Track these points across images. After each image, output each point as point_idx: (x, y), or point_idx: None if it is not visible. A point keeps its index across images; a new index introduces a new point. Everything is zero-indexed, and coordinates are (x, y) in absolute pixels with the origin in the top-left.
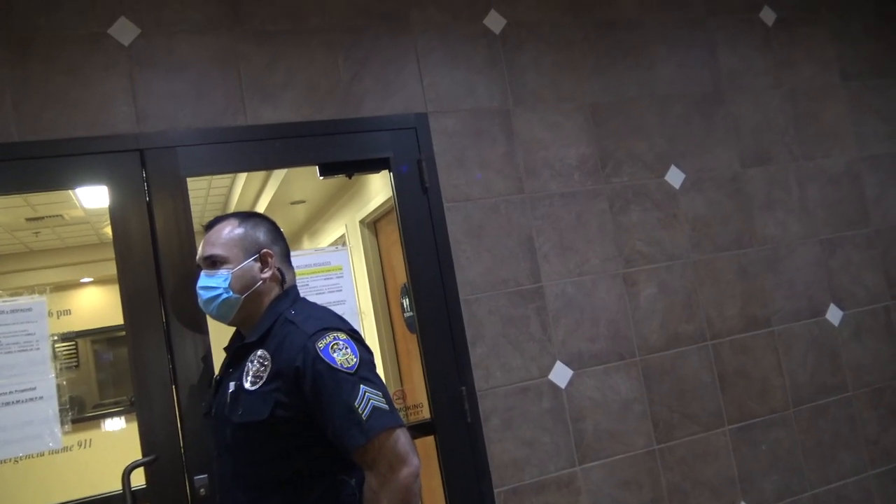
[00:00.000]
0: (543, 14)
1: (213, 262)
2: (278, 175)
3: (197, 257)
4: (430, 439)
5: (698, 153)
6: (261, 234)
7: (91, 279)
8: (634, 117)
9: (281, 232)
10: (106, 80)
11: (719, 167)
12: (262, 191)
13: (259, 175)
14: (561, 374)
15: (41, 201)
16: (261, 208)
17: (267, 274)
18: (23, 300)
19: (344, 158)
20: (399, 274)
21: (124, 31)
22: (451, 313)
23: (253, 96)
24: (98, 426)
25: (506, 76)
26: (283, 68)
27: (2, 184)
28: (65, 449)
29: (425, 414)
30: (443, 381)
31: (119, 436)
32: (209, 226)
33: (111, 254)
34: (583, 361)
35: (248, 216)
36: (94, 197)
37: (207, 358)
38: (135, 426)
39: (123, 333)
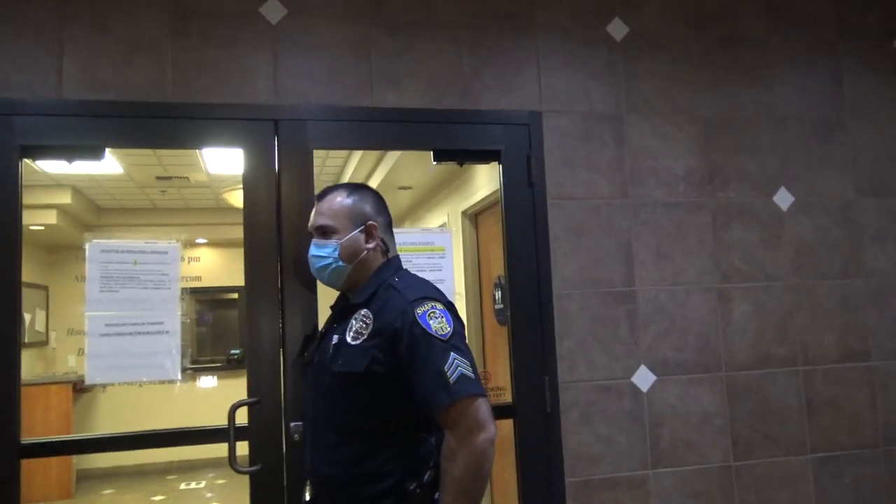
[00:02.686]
0: (666, 25)
1: (324, 232)
2: (390, 159)
3: (309, 225)
4: (508, 422)
5: (811, 177)
6: (367, 207)
7: (205, 241)
8: (747, 135)
9: (385, 203)
10: (252, 55)
11: (831, 194)
12: (373, 173)
13: (372, 157)
14: (644, 378)
15: (172, 162)
16: None
17: (371, 245)
18: (161, 243)
19: (457, 147)
20: (494, 267)
21: (273, 10)
22: (543, 305)
23: (381, 80)
24: (193, 380)
25: (622, 83)
26: (410, 57)
27: (156, 138)
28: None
29: (507, 398)
30: (527, 368)
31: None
32: (320, 196)
33: (226, 218)
34: (667, 368)
35: (355, 188)
36: (218, 162)
37: (313, 317)
38: (225, 385)
39: (228, 296)
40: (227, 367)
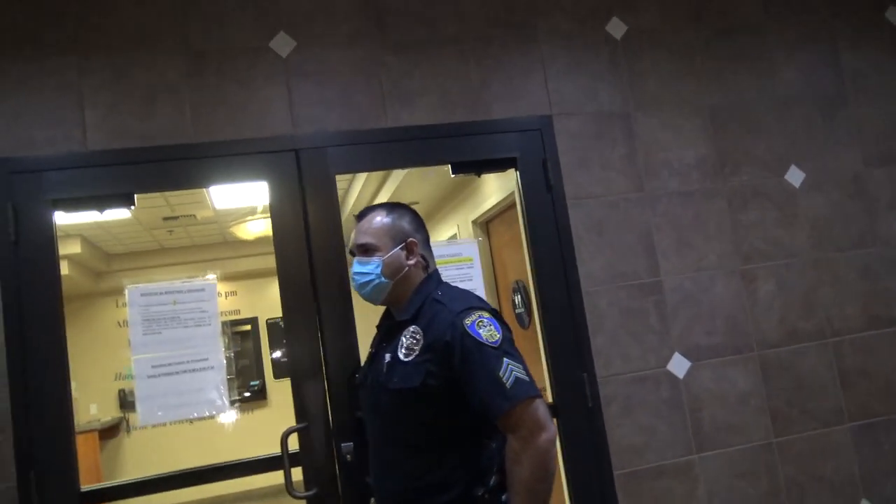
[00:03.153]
0: (664, 21)
1: (366, 250)
2: (396, 176)
3: (349, 244)
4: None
5: (819, 154)
6: (406, 224)
7: (215, 275)
8: (754, 119)
9: (422, 221)
10: (266, 88)
11: (841, 168)
12: (379, 191)
13: (377, 176)
14: (679, 365)
15: (178, 201)
16: None
17: (412, 261)
18: (197, 281)
19: (474, 158)
20: (510, 272)
21: (283, 43)
22: (574, 303)
23: (393, 101)
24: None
25: (626, 81)
26: (419, 75)
27: (182, 179)
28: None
29: (547, 398)
30: (565, 367)
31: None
32: (360, 216)
33: (234, 252)
34: (700, 353)
35: (394, 207)
36: (225, 197)
37: (352, 338)
38: (248, 418)
39: (242, 328)
40: (248, 399)
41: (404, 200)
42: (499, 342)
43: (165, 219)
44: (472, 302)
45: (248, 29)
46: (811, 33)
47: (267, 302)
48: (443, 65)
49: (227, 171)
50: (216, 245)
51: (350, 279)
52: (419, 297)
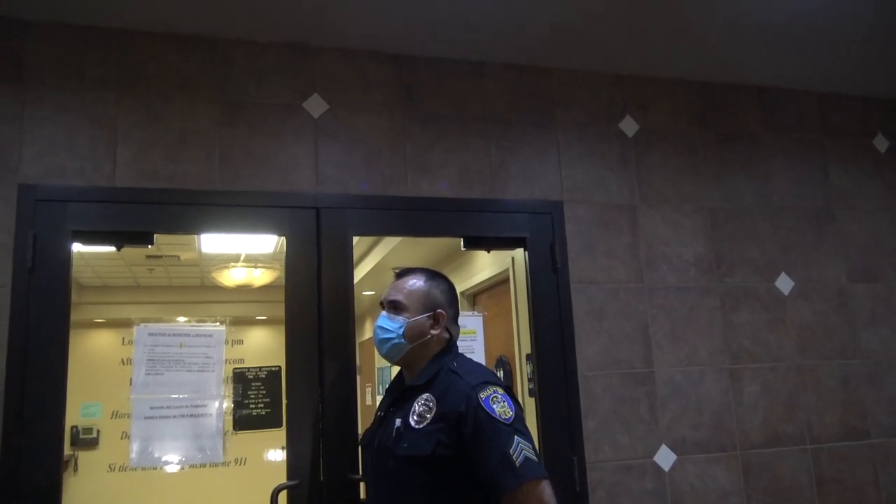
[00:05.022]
0: (672, 123)
1: (395, 307)
2: (388, 242)
3: (382, 297)
4: None
5: (807, 264)
6: (440, 294)
7: (185, 319)
8: (749, 224)
9: (457, 296)
10: (295, 145)
11: (827, 279)
12: (369, 253)
13: (366, 241)
14: (665, 458)
15: (166, 241)
16: (362, 271)
17: (436, 331)
18: (207, 327)
19: (486, 234)
20: (496, 346)
21: (316, 105)
22: (569, 386)
23: (415, 170)
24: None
25: (635, 175)
26: (442, 148)
27: (202, 224)
28: (224, 464)
29: None
30: (557, 448)
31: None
32: (400, 274)
33: (210, 297)
34: (686, 448)
35: (434, 275)
36: (213, 242)
37: (353, 399)
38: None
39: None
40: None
41: (394, 265)
42: (511, 419)
43: (149, 257)
44: (487, 377)
45: (284, 87)
46: (805, 148)
47: (236, 350)
48: (465, 141)
49: (248, 221)
50: (193, 288)
51: (373, 330)
52: (435, 365)
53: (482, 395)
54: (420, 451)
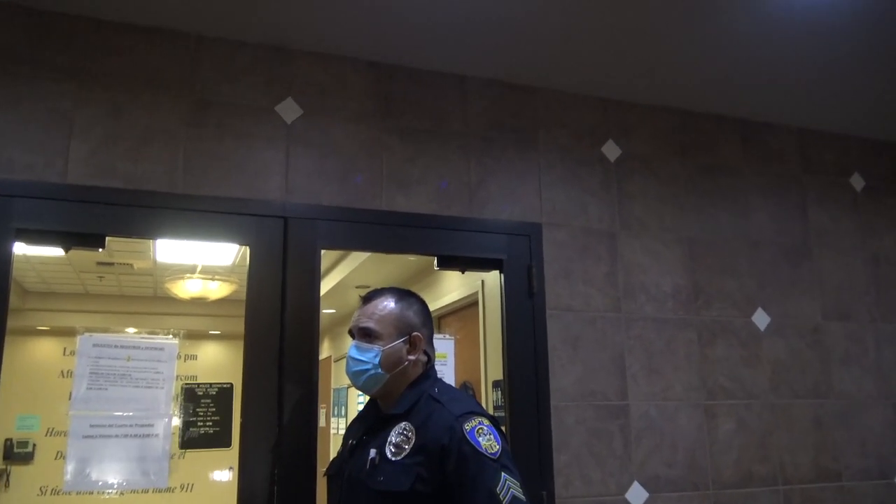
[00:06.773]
0: (655, 150)
1: (367, 335)
2: (354, 259)
3: (351, 325)
4: None
5: (784, 300)
6: (413, 315)
7: (135, 330)
8: (728, 257)
9: (430, 313)
10: (266, 151)
11: (802, 316)
12: (333, 268)
13: (331, 256)
14: (637, 495)
15: (119, 248)
16: (324, 288)
17: (413, 356)
18: (158, 339)
19: (462, 254)
20: (461, 371)
21: (289, 109)
22: (542, 416)
23: (391, 185)
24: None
25: (616, 201)
26: (421, 163)
27: (159, 229)
28: (168, 490)
29: None
30: (526, 481)
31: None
32: (367, 297)
33: (162, 308)
34: (659, 485)
35: (404, 294)
36: (170, 251)
37: (314, 423)
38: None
39: None
40: None
41: (357, 283)
42: (498, 454)
43: (100, 263)
44: (472, 406)
45: (257, 88)
46: (783, 183)
47: (189, 365)
48: (444, 157)
49: (210, 227)
50: (145, 299)
51: (345, 362)
52: (414, 393)
53: (467, 427)
54: (397, 486)
